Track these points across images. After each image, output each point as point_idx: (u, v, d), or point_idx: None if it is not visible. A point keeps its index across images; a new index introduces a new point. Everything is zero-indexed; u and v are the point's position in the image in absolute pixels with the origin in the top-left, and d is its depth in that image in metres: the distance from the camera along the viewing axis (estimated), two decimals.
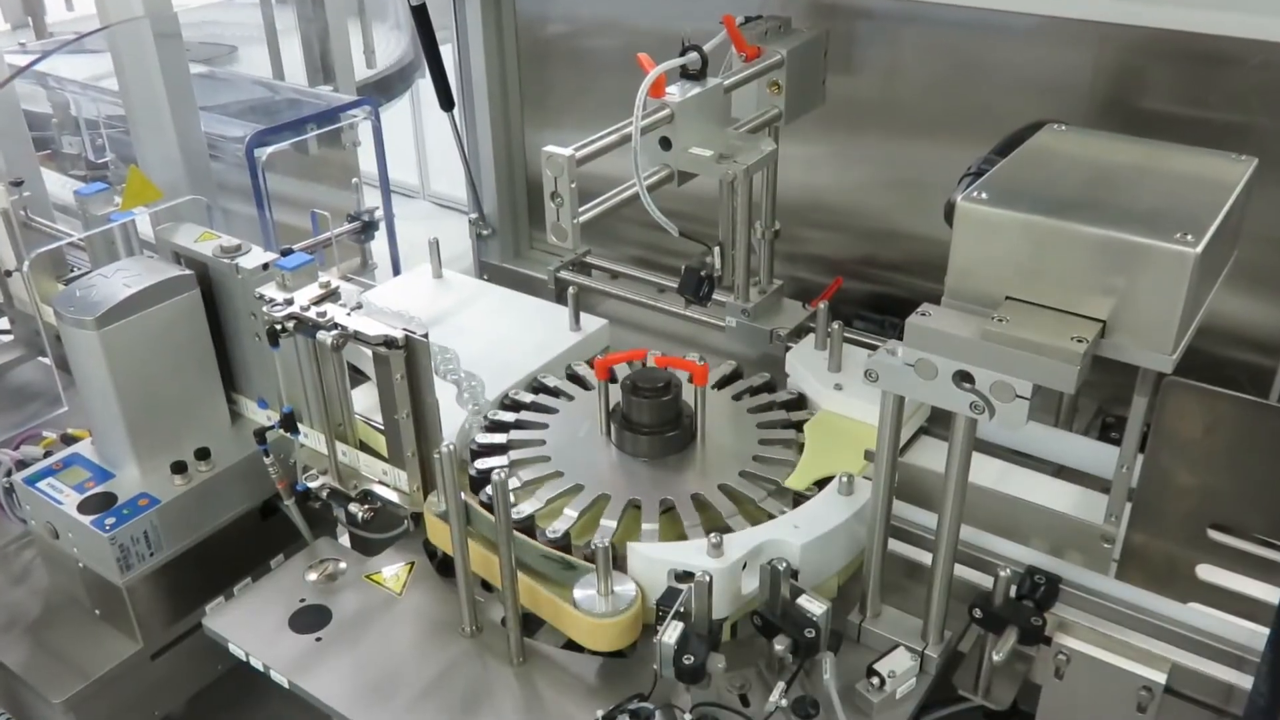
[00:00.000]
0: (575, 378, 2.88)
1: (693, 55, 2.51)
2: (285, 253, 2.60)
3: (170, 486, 2.58)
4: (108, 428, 2.61)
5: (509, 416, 2.71)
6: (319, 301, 2.43)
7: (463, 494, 2.21)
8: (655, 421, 2.55)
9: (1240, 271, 2.04)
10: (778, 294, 3.15)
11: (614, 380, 2.64)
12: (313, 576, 2.49)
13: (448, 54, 3.73)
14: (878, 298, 3.30)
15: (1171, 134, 2.13)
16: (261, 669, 2.30)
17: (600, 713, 2.06)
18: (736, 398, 2.77)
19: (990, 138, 2.32)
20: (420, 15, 3.49)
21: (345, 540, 2.76)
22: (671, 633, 2.00)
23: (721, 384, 2.82)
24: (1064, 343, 1.76)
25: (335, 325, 2.35)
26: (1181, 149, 2.05)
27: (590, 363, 2.88)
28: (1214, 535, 2.16)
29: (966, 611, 2.13)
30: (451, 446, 2.15)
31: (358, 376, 2.66)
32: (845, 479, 2.35)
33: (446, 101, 3.70)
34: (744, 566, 2.20)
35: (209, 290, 2.67)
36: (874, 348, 2.16)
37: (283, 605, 2.42)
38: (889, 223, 3.23)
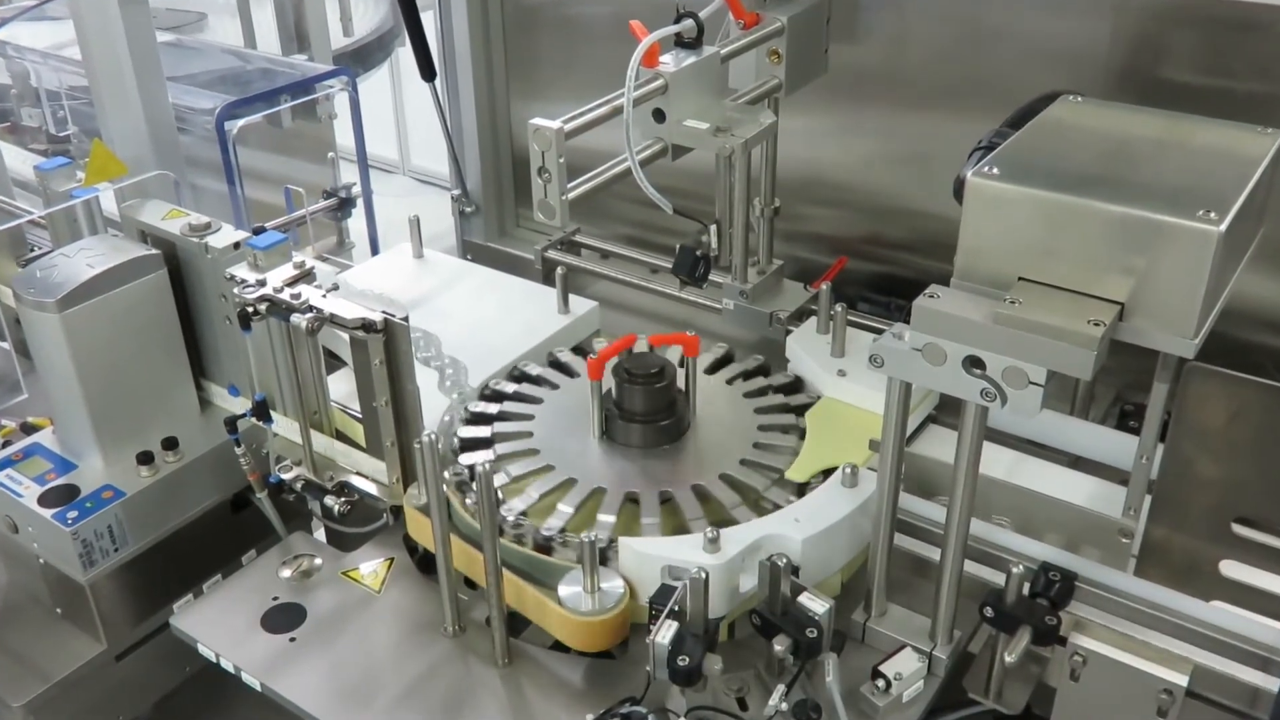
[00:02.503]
0: (558, 364, 2.87)
1: (688, 22, 2.50)
2: (257, 231, 2.59)
3: (136, 478, 2.57)
4: (70, 416, 2.60)
5: (494, 404, 2.70)
6: (293, 283, 2.41)
7: (444, 486, 2.20)
8: (649, 409, 2.54)
9: (1266, 251, 2.04)
10: (778, 275, 3.14)
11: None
12: (286, 573, 2.48)
13: (429, 21, 3.72)
14: (883, 279, 3.29)
15: (1193, 105, 2.12)
16: (232, 670, 2.29)
17: (590, 717, 2.05)
18: (729, 382, 2.76)
19: (1002, 110, 2.31)
20: None
21: (321, 535, 2.74)
22: (665, 633, 1.99)
23: (713, 369, 2.82)
24: (1080, 326, 1.75)
25: (310, 308, 2.34)
26: (1204, 121, 2.04)
27: (579, 350, 2.89)
28: (1238, 530, 2.16)
29: (977, 610, 2.13)
30: (433, 436, 2.14)
31: (334, 362, 2.65)
32: (849, 470, 2.34)
33: (428, 71, 3.68)
34: (742, 562, 2.20)
35: (177, 271, 2.66)
36: (879, 331, 2.15)
37: (254, 604, 2.41)
38: (895, 199, 3.22)
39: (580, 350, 2.92)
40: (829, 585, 2.32)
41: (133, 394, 2.62)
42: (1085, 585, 2.14)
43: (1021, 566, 2.09)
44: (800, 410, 2.65)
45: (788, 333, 2.92)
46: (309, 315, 2.32)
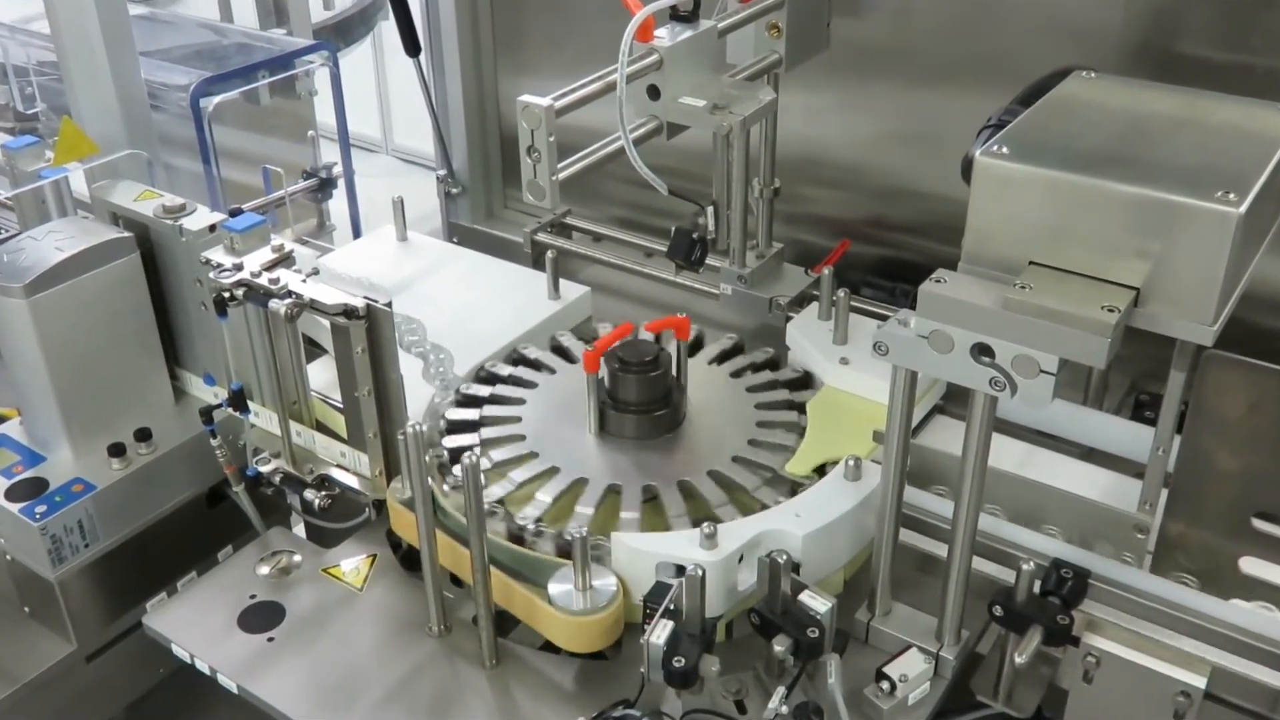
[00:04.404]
0: (559, 349, 2.87)
1: None
2: (234, 213, 2.58)
3: (107, 471, 2.56)
4: (38, 406, 2.59)
5: (481, 391, 2.69)
6: (271, 267, 2.41)
7: (430, 479, 2.20)
8: (641, 399, 2.53)
9: None
10: (777, 259, 3.14)
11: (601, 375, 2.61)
12: (264, 570, 2.47)
13: None
14: (888, 263, 3.29)
15: (1212, 82, 2.11)
16: (208, 672, 2.29)
17: None
18: (735, 375, 2.76)
19: (1012, 86, 2.31)
20: None
21: (300, 530, 2.74)
22: (660, 632, 1.99)
23: (721, 360, 2.81)
24: (1093, 312, 1.74)
25: (289, 293, 2.33)
26: (1223, 98, 2.04)
27: (579, 335, 2.89)
28: (1259, 525, 2.15)
29: (986, 609, 2.12)
30: (417, 427, 2.13)
31: (314, 350, 2.64)
32: (852, 463, 2.34)
33: (412, 46, 3.67)
34: (740, 559, 2.19)
35: (150, 254, 2.65)
36: (884, 318, 2.15)
37: (231, 602, 2.40)
38: (900, 180, 3.22)
39: (576, 335, 2.91)
40: (831, 583, 2.32)
41: (104, 383, 2.61)
42: (1099, 583, 2.14)
43: (1032, 563, 2.08)
44: (802, 405, 2.64)
45: (788, 319, 2.92)
46: (288, 301, 2.31)
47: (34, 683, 2.51)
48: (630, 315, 2.81)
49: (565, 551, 2.25)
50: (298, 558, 2.50)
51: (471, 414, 2.62)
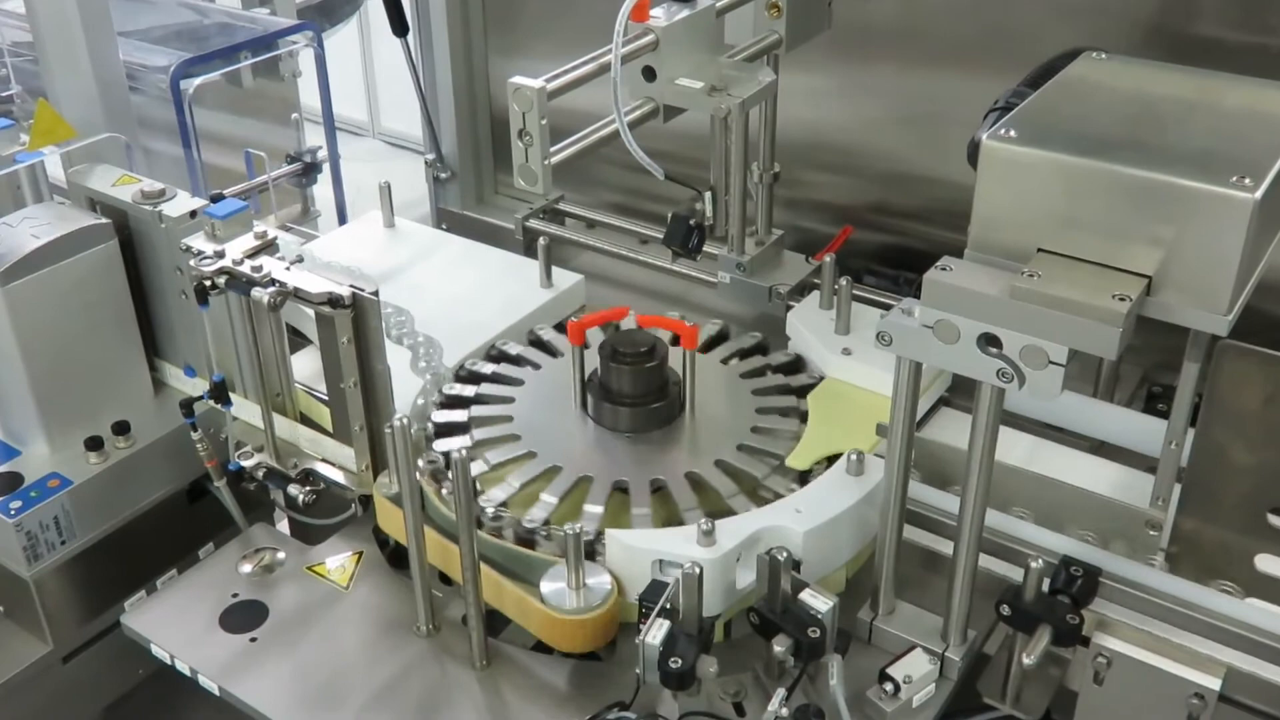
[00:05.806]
0: (540, 343, 2.86)
1: None
2: (215, 199, 2.58)
3: (85, 465, 2.55)
4: (13, 398, 2.59)
5: (466, 392, 2.68)
6: (254, 254, 2.40)
7: (418, 474, 2.19)
8: (638, 391, 2.53)
9: None
10: (777, 246, 3.13)
11: (587, 346, 2.60)
12: (247, 568, 2.47)
13: None
14: (891, 250, 3.29)
15: (1226, 63, 2.11)
16: (188, 673, 2.29)
17: None
18: (725, 361, 2.76)
19: (1020, 68, 2.30)
20: None
21: (284, 527, 2.74)
22: (656, 632, 1.99)
23: (708, 347, 2.81)
24: (1104, 301, 1.74)
25: (272, 281, 2.33)
26: (1237, 80, 2.04)
27: (561, 327, 2.87)
28: (1275, 521, 2.16)
29: (993, 608, 2.12)
30: (405, 420, 2.12)
31: (298, 340, 2.63)
32: (854, 457, 2.34)
33: (399, 26, 3.67)
34: (739, 557, 2.19)
35: (129, 241, 2.65)
36: (887, 307, 2.15)
37: (212, 601, 2.40)
38: (904, 165, 3.21)
39: (564, 328, 2.91)
40: (833, 581, 2.32)
41: (81, 374, 2.60)
42: (1110, 581, 2.13)
43: (1041, 561, 2.08)
44: (801, 391, 2.64)
45: (788, 308, 2.92)
46: (271, 289, 2.31)
47: (9, 685, 2.51)
48: (625, 303, 2.80)
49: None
50: (281, 555, 2.50)
51: (460, 415, 2.61)
